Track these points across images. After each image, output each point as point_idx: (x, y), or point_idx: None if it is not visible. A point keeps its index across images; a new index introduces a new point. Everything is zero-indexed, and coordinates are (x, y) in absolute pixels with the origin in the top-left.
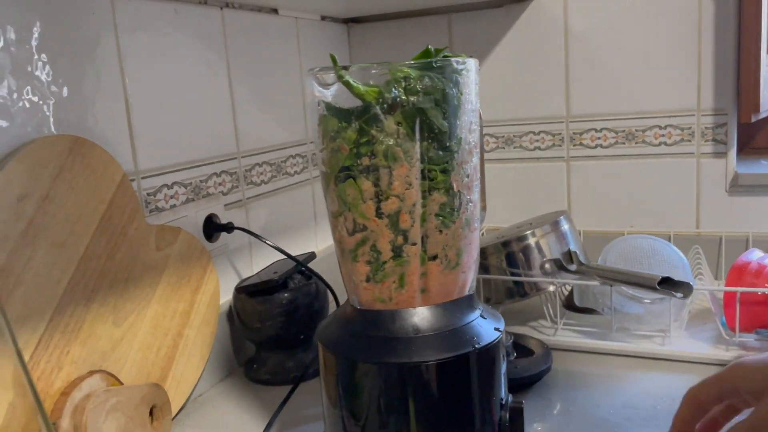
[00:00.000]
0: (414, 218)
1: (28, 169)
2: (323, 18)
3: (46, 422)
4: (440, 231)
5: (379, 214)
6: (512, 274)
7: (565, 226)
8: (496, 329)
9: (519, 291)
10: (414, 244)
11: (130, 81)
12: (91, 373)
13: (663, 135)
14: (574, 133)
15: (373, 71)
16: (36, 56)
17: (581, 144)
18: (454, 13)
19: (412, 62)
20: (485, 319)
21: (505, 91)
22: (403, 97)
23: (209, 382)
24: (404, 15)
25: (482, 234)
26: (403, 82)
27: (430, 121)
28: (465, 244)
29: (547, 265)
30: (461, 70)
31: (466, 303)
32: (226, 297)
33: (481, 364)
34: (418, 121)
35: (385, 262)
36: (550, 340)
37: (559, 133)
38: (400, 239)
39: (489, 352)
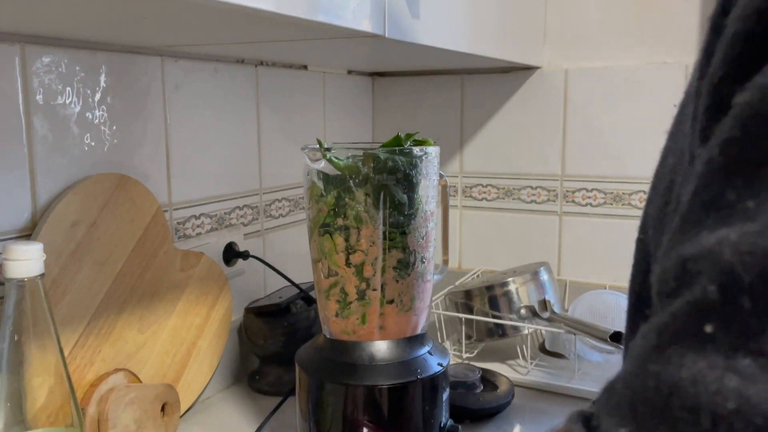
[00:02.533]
0: (375, 269)
1: (81, 200)
2: (350, 72)
3: (76, 407)
4: (397, 281)
5: (348, 263)
6: (493, 316)
7: (544, 277)
8: (440, 364)
9: (498, 331)
10: (375, 289)
11: (172, 128)
12: (116, 370)
13: None
14: (567, 191)
15: (350, 153)
16: (96, 108)
17: (573, 201)
18: (467, 74)
19: (381, 148)
20: (432, 355)
21: (509, 147)
22: (372, 174)
23: (216, 388)
24: (424, 73)
25: (477, 276)
26: (372, 162)
27: (392, 194)
28: (418, 292)
29: (522, 311)
30: (422, 156)
31: (417, 340)
32: (240, 314)
33: (423, 392)
34: (382, 194)
35: (351, 303)
36: (519, 378)
37: (554, 190)
38: (363, 285)
39: (431, 382)
